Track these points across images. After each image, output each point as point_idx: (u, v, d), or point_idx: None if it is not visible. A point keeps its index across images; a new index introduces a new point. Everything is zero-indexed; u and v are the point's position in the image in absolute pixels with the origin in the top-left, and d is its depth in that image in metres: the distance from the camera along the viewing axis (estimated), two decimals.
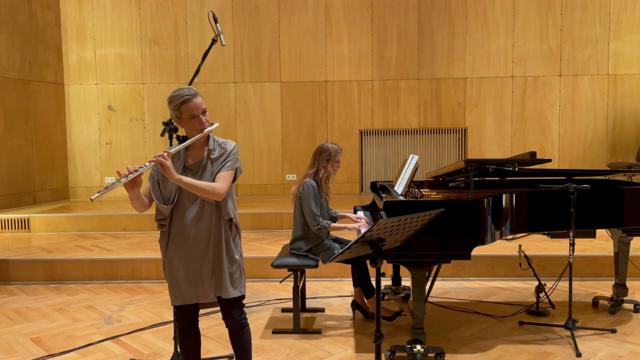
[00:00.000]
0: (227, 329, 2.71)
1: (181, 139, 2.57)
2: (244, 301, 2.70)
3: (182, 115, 2.52)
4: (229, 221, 2.60)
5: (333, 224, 3.94)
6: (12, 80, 7.66)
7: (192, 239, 2.56)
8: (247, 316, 2.72)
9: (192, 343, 2.74)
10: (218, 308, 2.71)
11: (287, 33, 8.57)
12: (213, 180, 2.54)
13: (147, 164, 2.38)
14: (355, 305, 4.16)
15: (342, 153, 4.00)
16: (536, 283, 4.17)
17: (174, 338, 3.24)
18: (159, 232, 2.65)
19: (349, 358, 3.45)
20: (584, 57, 8.37)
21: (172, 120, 3.10)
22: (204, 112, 2.53)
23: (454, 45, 8.48)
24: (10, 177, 7.59)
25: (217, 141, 2.62)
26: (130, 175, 2.35)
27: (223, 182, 2.52)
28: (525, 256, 4.18)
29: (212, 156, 2.57)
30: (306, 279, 4.44)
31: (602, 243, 5.33)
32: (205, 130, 2.53)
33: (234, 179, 2.61)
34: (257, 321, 4.10)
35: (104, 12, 8.61)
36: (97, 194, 2.29)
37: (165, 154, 2.38)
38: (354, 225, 3.94)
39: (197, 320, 2.75)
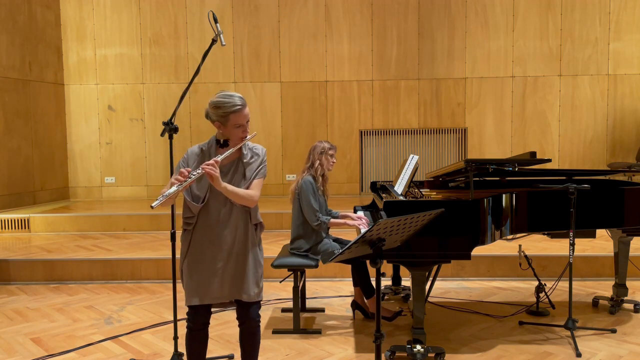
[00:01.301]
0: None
1: (222, 144, 2.63)
2: None
3: (229, 122, 2.56)
4: (255, 225, 2.67)
5: (333, 220, 3.97)
6: (12, 80, 7.66)
7: (217, 239, 2.60)
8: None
9: (200, 345, 2.76)
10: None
11: (287, 33, 8.57)
12: (245, 181, 2.61)
13: (199, 171, 2.44)
14: (355, 305, 4.16)
15: (335, 150, 4.11)
16: (536, 283, 4.17)
17: (174, 338, 3.24)
18: (182, 230, 2.69)
19: (349, 358, 3.46)
20: (584, 57, 8.37)
21: (178, 121, 3.13)
22: (247, 122, 2.60)
23: (454, 45, 8.47)
24: (10, 177, 7.59)
25: (247, 145, 2.69)
26: (185, 182, 2.41)
27: (257, 189, 2.62)
28: (525, 256, 4.18)
29: (244, 160, 2.64)
30: (306, 279, 4.44)
31: (602, 243, 5.33)
32: (247, 138, 2.61)
33: None
34: None
35: (104, 12, 8.61)
36: (157, 201, 2.36)
37: (214, 163, 2.43)
38: (354, 222, 3.95)
39: (208, 323, 2.76)
